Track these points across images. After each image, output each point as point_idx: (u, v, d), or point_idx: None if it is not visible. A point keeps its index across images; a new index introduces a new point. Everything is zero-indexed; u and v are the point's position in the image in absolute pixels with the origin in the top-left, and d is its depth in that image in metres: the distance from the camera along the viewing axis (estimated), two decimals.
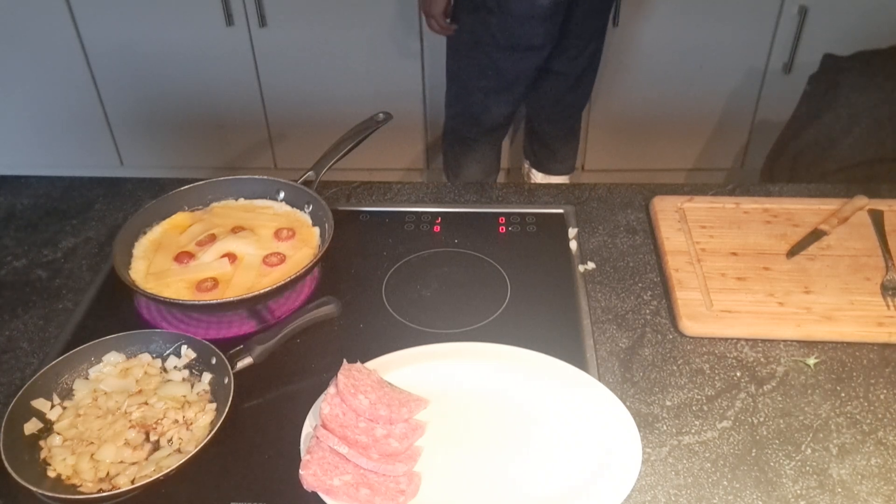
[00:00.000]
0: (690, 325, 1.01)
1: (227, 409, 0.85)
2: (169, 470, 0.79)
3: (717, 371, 0.96)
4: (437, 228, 1.22)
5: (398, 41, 2.46)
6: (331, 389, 0.88)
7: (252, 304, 1.02)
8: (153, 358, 0.95)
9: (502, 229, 1.22)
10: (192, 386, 0.91)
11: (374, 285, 1.11)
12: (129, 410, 0.88)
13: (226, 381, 0.89)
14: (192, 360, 0.94)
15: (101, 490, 0.80)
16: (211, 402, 0.90)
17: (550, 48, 2.02)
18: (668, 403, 0.92)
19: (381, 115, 1.26)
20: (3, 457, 0.80)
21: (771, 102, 2.52)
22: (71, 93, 2.61)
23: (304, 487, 0.79)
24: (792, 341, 1.00)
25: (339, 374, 0.88)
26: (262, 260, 1.07)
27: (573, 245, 1.18)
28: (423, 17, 2.08)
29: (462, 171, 2.37)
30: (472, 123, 2.25)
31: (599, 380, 0.93)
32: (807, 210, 1.21)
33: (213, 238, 1.10)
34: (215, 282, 1.04)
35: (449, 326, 1.03)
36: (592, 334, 1.01)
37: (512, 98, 2.17)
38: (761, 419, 0.90)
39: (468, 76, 2.14)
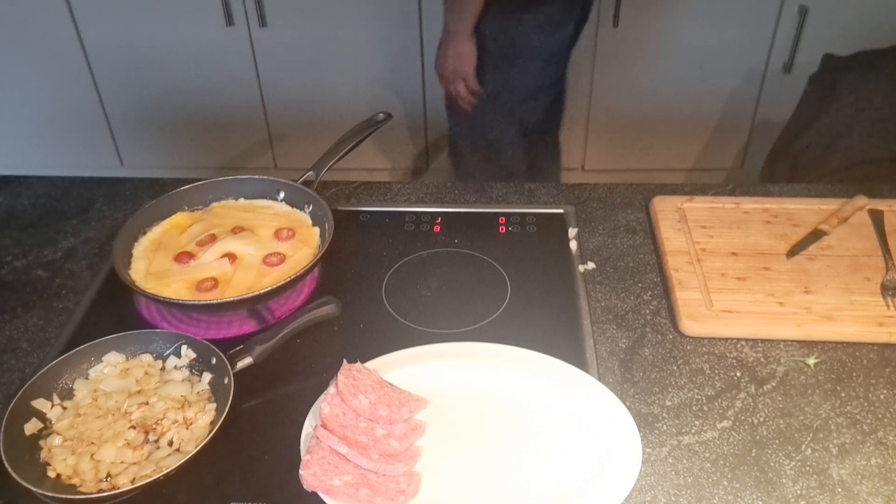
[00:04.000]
0: (690, 325, 1.01)
1: (227, 409, 0.85)
2: (169, 470, 0.79)
3: (717, 371, 0.96)
4: (437, 228, 1.22)
5: (398, 41, 2.46)
6: (331, 389, 0.88)
7: (252, 304, 1.02)
8: (153, 358, 0.95)
9: (502, 229, 1.22)
10: (192, 386, 0.91)
11: (374, 285, 1.11)
12: (129, 410, 0.88)
13: (226, 381, 0.89)
14: (192, 360, 0.94)
15: (101, 490, 0.80)
16: (211, 402, 0.90)
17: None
18: (668, 403, 0.92)
19: (381, 115, 1.26)
20: (3, 457, 0.80)
21: (771, 102, 2.52)
22: (71, 93, 2.62)
23: (304, 487, 0.79)
24: (792, 341, 1.00)
25: (339, 375, 0.88)
26: (262, 260, 1.07)
27: (573, 245, 1.18)
28: (440, 80, 1.84)
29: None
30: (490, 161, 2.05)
31: (599, 380, 0.93)
32: (807, 210, 1.21)
33: (213, 238, 1.10)
34: (215, 282, 1.03)
35: (449, 326, 1.03)
36: (592, 334, 1.01)
37: (524, 141, 1.98)
38: (761, 419, 0.90)
39: (483, 131, 1.93)
